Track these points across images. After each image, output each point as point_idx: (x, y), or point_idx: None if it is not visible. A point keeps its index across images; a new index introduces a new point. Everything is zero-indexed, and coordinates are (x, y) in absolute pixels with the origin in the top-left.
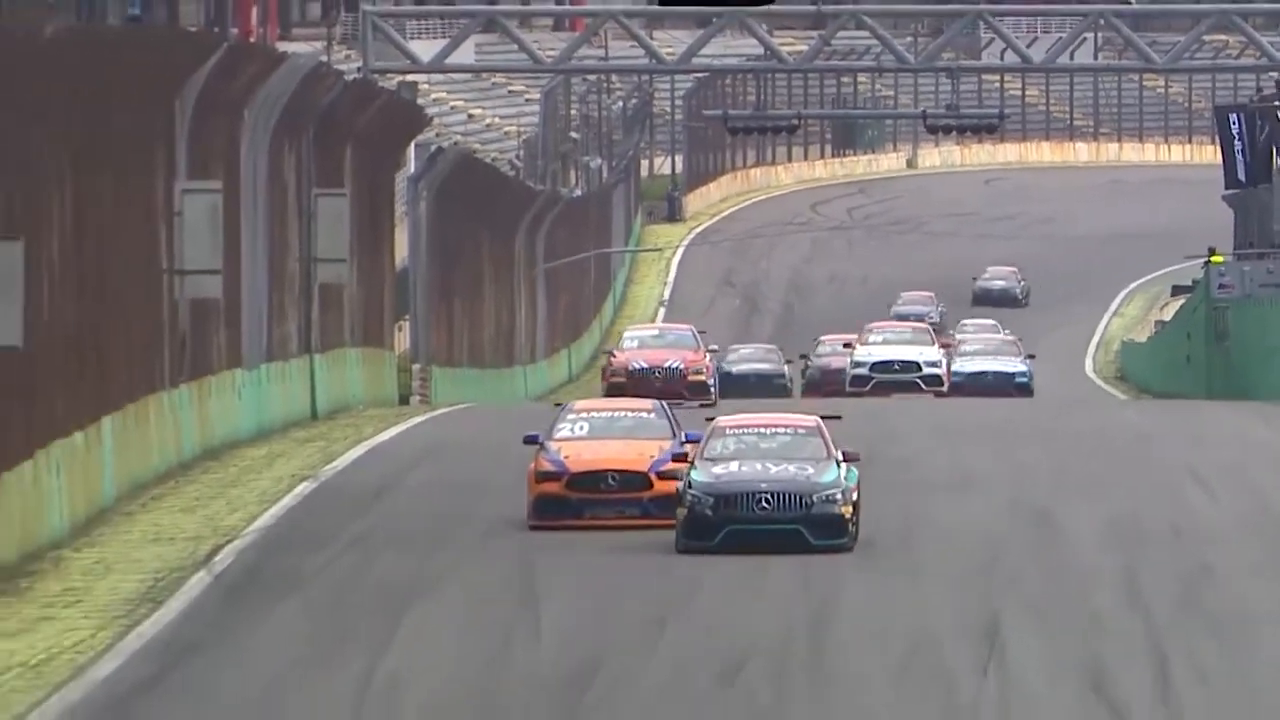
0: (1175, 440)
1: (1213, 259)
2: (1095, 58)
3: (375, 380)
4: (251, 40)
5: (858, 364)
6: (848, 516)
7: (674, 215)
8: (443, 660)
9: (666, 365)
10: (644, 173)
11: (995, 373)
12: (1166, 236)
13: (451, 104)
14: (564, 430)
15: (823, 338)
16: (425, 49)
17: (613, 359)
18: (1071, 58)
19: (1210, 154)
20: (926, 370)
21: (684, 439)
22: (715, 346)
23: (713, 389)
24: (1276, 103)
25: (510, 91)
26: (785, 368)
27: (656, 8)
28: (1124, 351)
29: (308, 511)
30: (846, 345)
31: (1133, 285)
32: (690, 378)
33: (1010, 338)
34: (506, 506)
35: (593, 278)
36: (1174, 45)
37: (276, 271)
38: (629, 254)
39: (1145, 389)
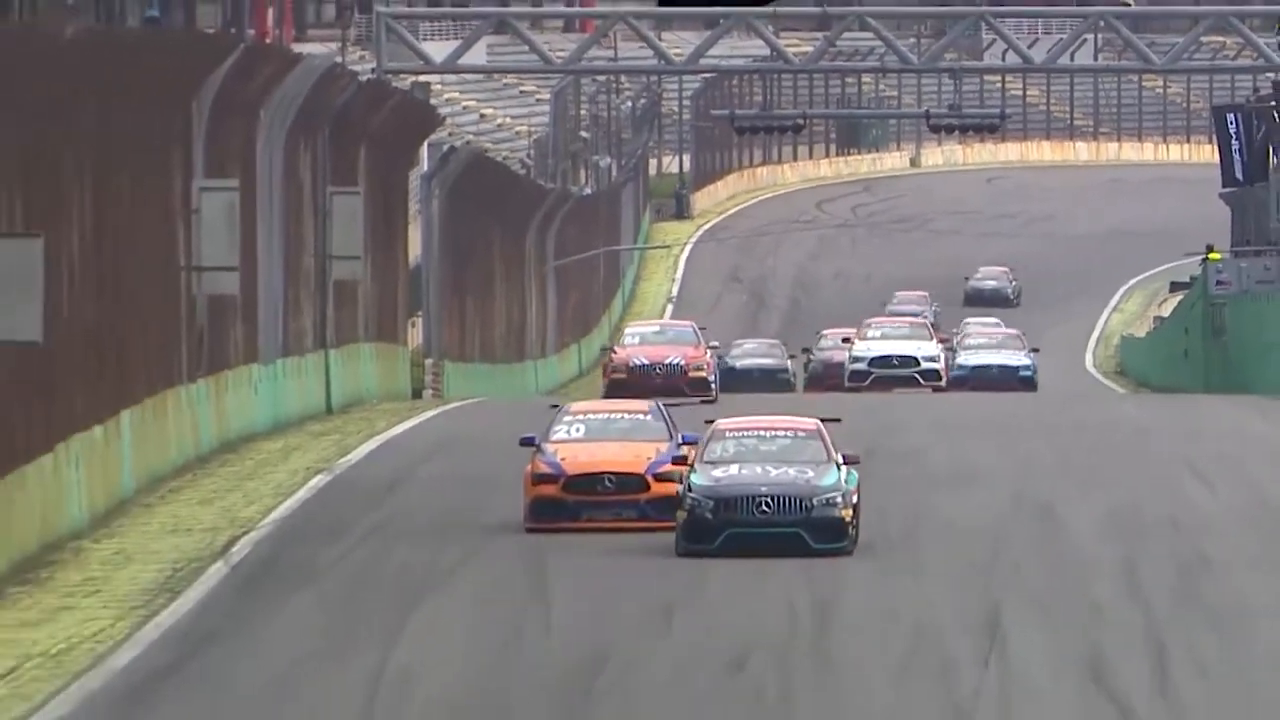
0: (1173, 434)
1: (1210, 256)
2: (1095, 58)
3: (389, 375)
4: (267, 42)
5: (856, 359)
6: (848, 520)
7: (682, 213)
8: (454, 650)
9: (667, 361)
10: (652, 171)
11: (1000, 366)
12: (1165, 234)
13: (464, 104)
14: (560, 432)
15: (825, 332)
16: (438, 50)
17: (614, 355)
18: (1072, 58)
19: (1208, 153)
20: (925, 365)
21: (681, 441)
22: (716, 343)
23: (713, 385)
24: (1273, 103)
25: (521, 92)
26: (788, 363)
27: (664, 9)
28: (1123, 346)
29: (322, 504)
30: (845, 340)
31: (1132, 282)
32: (691, 374)
33: (1014, 332)
34: (517, 500)
35: (602, 274)
36: (1172, 46)
37: (292, 268)
38: (638, 251)
39: (1144, 383)
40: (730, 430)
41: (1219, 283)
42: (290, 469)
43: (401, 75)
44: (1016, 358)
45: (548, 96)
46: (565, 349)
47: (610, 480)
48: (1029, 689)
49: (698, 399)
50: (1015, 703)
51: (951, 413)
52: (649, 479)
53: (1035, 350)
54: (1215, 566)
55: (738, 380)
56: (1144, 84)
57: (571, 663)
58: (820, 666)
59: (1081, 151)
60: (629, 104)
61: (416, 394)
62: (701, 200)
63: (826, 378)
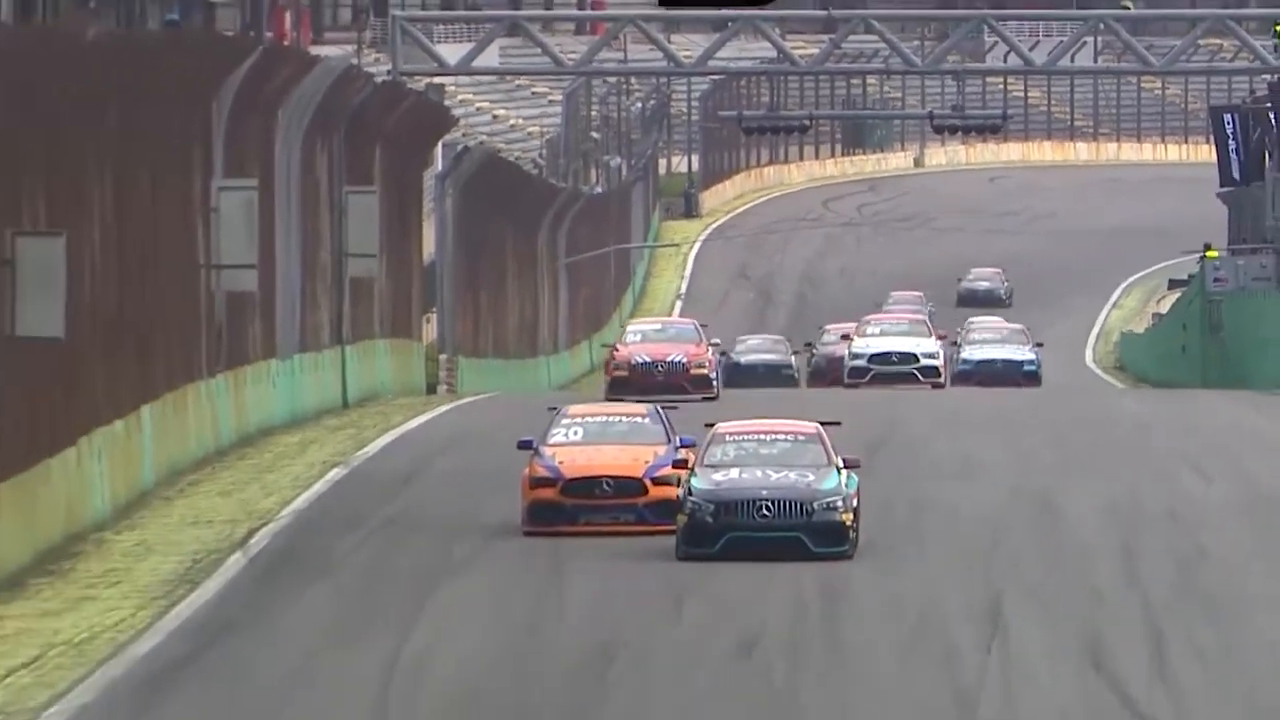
0: (1172, 428)
1: (1208, 254)
2: (1095, 61)
3: (404, 370)
4: (285, 44)
5: (856, 355)
6: (848, 524)
7: (691, 212)
8: (468, 640)
9: (669, 359)
10: (662, 171)
11: (1004, 360)
12: (1163, 232)
13: (477, 105)
14: (558, 435)
15: (828, 326)
16: (452, 52)
17: (615, 353)
18: (1072, 60)
19: (1205, 153)
20: (924, 362)
21: (679, 444)
22: (718, 340)
23: (715, 383)
24: (1269, 104)
25: (533, 93)
26: (792, 358)
27: (672, 12)
28: (1123, 342)
29: (339, 496)
30: (845, 337)
31: (1131, 279)
32: (693, 371)
33: (1019, 327)
34: None
35: (613, 272)
36: (1171, 49)
37: (309, 265)
38: (648, 249)
39: (1143, 378)
40: (730, 434)
41: (1216, 280)
42: (307, 462)
43: (416, 77)
44: (1021, 352)
45: (559, 98)
46: (577, 345)
47: (608, 484)
48: (1030, 675)
49: (700, 396)
50: (1017, 688)
51: (954, 407)
52: (647, 483)
53: (1040, 345)
54: (1212, 557)
55: (743, 376)
56: (1143, 85)
57: (584, 651)
58: (826, 653)
59: (1081, 151)
60: (639, 105)
61: (431, 389)
62: (710, 199)
63: (829, 372)
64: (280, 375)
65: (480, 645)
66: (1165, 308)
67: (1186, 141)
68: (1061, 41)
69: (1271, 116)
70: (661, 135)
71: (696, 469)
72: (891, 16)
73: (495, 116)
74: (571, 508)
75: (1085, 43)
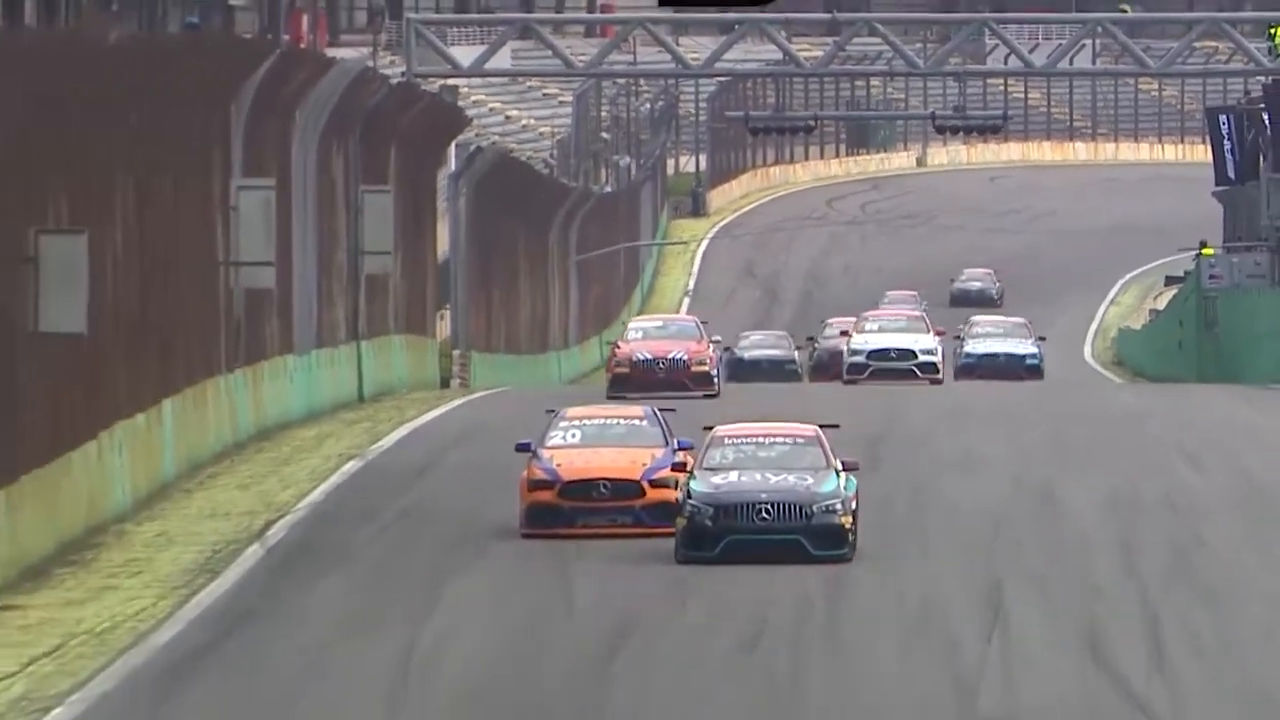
0: (1168, 421)
1: (1203, 252)
2: (1093, 63)
3: (418, 365)
4: (302, 47)
5: (855, 352)
6: (848, 526)
7: (698, 210)
8: (480, 630)
9: (670, 356)
10: (670, 170)
11: (1007, 354)
12: (1160, 230)
13: (490, 106)
14: (556, 438)
15: (830, 321)
16: (465, 55)
17: (617, 350)
18: (1071, 63)
19: (1201, 153)
20: (922, 358)
21: (677, 446)
22: (719, 337)
23: (716, 380)
24: (1263, 105)
25: (545, 94)
26: (795, 354)
27: (680, 15)
28: (1120, 338)
29: (355, 489)
30: (843, 333)
31: (1128, 276)
32: (694, 368)
33: (1021, 321)
34: None
35: (622, 269)
36: (1167, 51)
37: (325, 263)
38: (656, 247)
39: (1140, 373)
40: (729, 437)
41: (1211, 277)
42: (324, 455)
43: (430, 79)
44: (1023, 346)
45: (570, 99)
46: (587, 340)
47: (606, 486)
48: (1030, 663)
49: (700, 393)
50: (1017, 676)
51: (955, 401)
52: (644, 485)
53: (1042, 339)
54: (1208, 547)
55: (746, 371)
56: (1140, 87)
57: (592, 641)
58: (830, 641)
59: (1080, 151)
60: (648, 106)
61: (444, 383)
62: (717, 198)
63: (831, 366)
64: (297, 370)
65: (492, 635)
66: (1162, 304)
67: (1183, 142)
68: (1061, 44)
69: (1265, 117)
70: (670, 135)
71: (695, 472)
72: (895, 20)
73: (507, 117)
74: (569, 510)
75: (1084, 45)
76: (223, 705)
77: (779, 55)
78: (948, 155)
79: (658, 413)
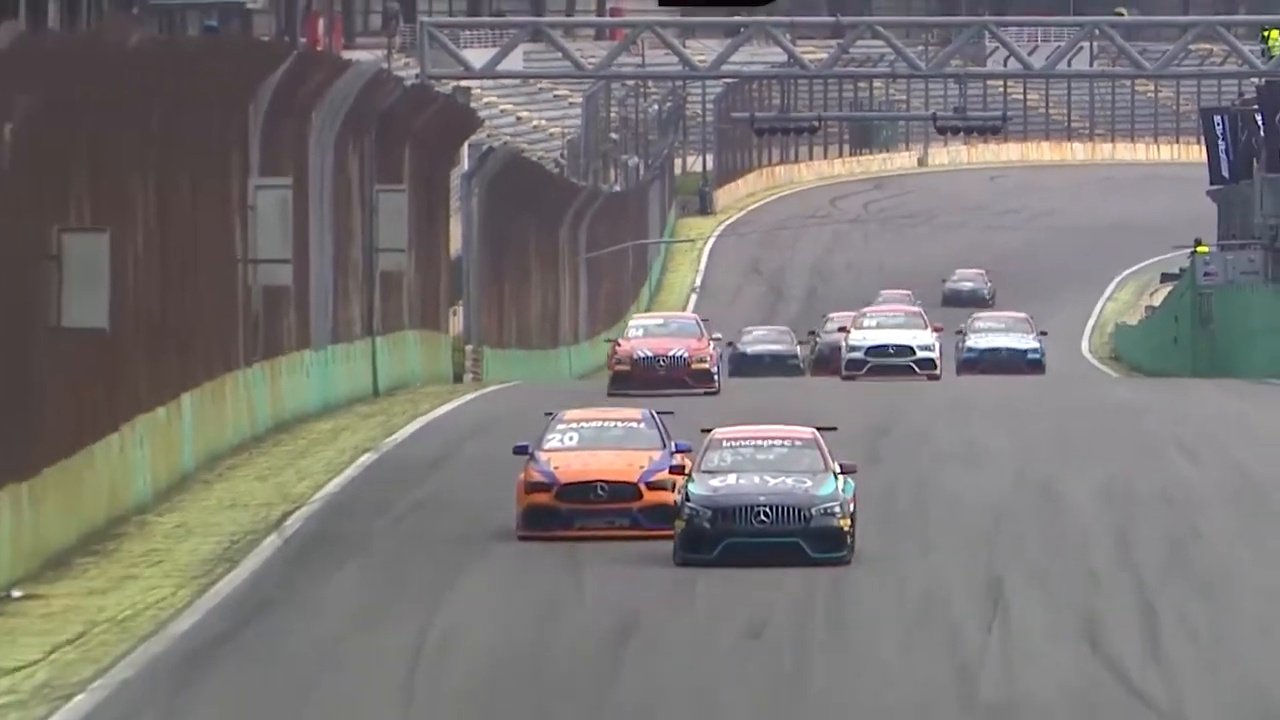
0: (1164, 415)
1: (1198, 249)
2: (1091, 64)
3: (431, 360)
4: (318, 49)
5: (853, 348)
6: (846, 529)
7: (705, 209)
8: (492, 619)
9: (671, 354)
10: (678, 170)
11: (1009, 349)
12: (1156, 229)
13: (501, 107)
14: (553, 440)
15: (831, 315)
16: (477, 57)
17: (618, 347)
18: (1069, 64)
19: (1196, 153)
20: (920, 354)
21: (674, 449)
22: (719, 335)
23: (716, 377)
24: (1257, 106)
25: (555, 96)
26: (797, 349)
27: (687, 18)
28: (1117, 334)
29: (370, 481)
30: (841, 330)
31: (1125, 273)
32: (694, 366)
33: (1023, 315)
34: None
35: (631, 267)
36: (1163, 53)
37: (341, 261)
38: (664, 245)
39: (1137, 368)
40: (727, 439)
41: (1206, 274)
42: (339, 448)
43: (443, 80)
44: (1025, 341)
45: (580, 100)
46: (596, 336)
47: (603, 489)
48: (1029, 652)
49: (701, 391)
50: (1016, 665)
51: (957, 396)
52: (642, 487)
53: (1044, 334)
54: (1203, 539)
55: (749, 365)
56: (1136, 88)
57: (602, 630)
58: (834, 631)
59: (1078, 151)
60: (656, 107)
61: (457, 378)
62: (723, 197)
63: (833, 360)
64: (314, 365)
65: (504, 624)
66: (1158, 301)
67: (1178, 142)
68: (1059, 46)
69: (1259, 118)
70: (677, 136)
71: (694, 475)
72: (897, 23)
73: (519, 118)
74: (566, 512)
75: (1081, 47)
76: (239, 694)
77: (784, 58)
78: (948, 155)
79: (655, 415)
